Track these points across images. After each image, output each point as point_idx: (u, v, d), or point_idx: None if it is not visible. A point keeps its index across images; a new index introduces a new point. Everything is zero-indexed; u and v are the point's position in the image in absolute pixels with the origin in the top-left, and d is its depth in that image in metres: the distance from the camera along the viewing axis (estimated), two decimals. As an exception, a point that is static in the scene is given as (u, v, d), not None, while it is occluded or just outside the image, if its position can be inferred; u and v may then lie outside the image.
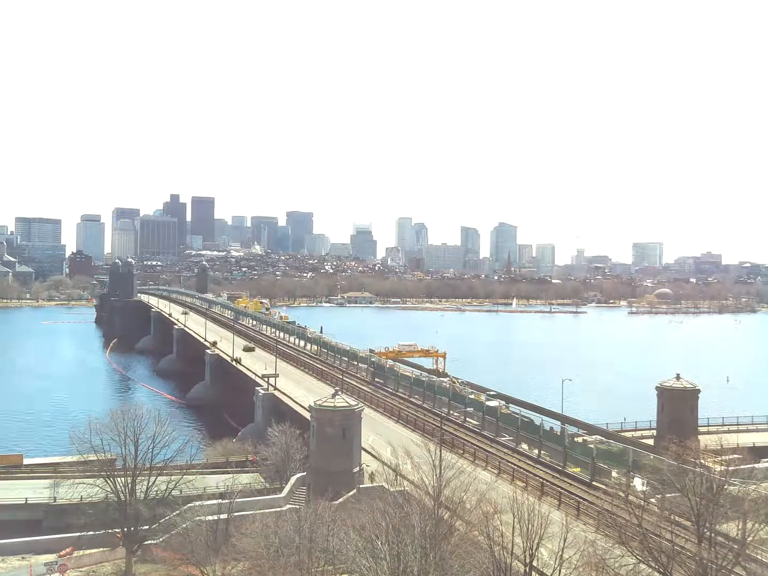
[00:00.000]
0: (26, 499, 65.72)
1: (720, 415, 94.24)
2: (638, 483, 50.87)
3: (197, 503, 53.98)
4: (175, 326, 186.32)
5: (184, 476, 56.00)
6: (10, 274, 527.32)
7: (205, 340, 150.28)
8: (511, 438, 68.70)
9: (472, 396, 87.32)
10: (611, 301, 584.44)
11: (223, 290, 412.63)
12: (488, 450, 64.91)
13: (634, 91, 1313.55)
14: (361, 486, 54.73)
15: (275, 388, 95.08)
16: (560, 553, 34.33)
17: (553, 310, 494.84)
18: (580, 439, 67.76)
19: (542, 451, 63.54)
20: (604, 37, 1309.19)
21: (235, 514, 50.14)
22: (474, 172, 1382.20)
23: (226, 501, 52.95)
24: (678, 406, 72.14)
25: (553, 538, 35.72)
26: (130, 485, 51.62)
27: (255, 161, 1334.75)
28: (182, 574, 47.76)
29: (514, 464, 60.21)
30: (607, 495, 44.63)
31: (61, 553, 52.85)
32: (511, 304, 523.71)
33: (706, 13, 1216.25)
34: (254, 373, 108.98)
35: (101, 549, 53.40)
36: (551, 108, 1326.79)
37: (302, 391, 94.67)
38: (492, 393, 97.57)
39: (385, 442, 69.05)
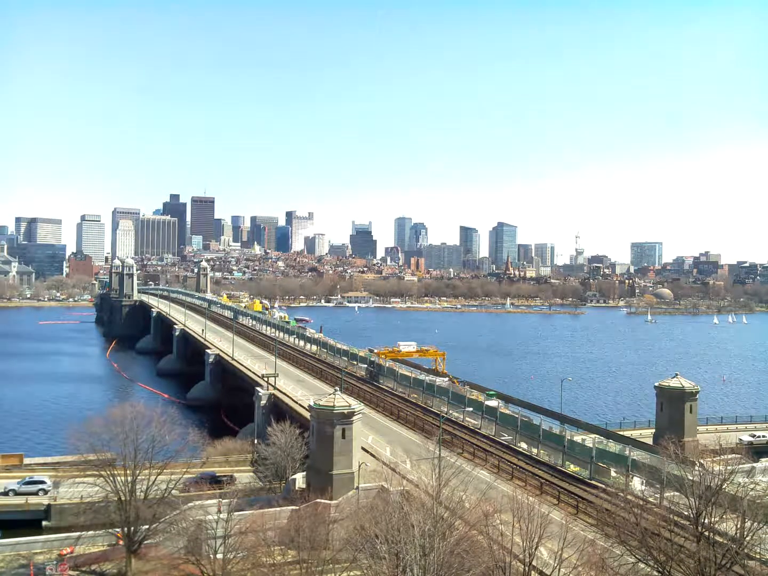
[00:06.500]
0: (26, 499, 65.82)
1: (719, 415, 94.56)
2: (637, 482, 50.91)
3: (197, 503, 54.03)
4: (176, 326, 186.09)
5: (184, 476, 56.02)
6: (11, 273, 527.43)
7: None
8: (510, 437, 68.74)
9: (472, 396, 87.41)
10: (610, 301, 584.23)
11: (223, 290, 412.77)
12: (487, 449, 64.95)
13: (633, 91, 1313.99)
14: (360, 485, 54.80)
15: (275, 388, 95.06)
16: (560, 552, 34.38)
17: (552, 310, 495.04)
18: (579, 439, 67.83)
19: (541, 451, 63.60)
20: (604, 37, 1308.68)
21: (235, 513, 50.19)
22: (473, 172, 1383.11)
23: (226, 500, 52.97)
24: (677, 405, 72.15)
25: (552, 538, 35.75)
26: (130, 485, 51.65)
27: (255, 161, 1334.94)
28: (182, 574, 47.80)
29: (513, 463, 60.26)
30: (606, 494, 44.64)
31: (62, 553, 52.93)
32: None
33: (705, 14, 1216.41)
34: (254, 373, 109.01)
35: (101, 548, 53.49)
36: (551, 108, 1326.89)
37: (302, 390, 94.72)
38: (491, 393, 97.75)
39: (385, 442, 69.14)
